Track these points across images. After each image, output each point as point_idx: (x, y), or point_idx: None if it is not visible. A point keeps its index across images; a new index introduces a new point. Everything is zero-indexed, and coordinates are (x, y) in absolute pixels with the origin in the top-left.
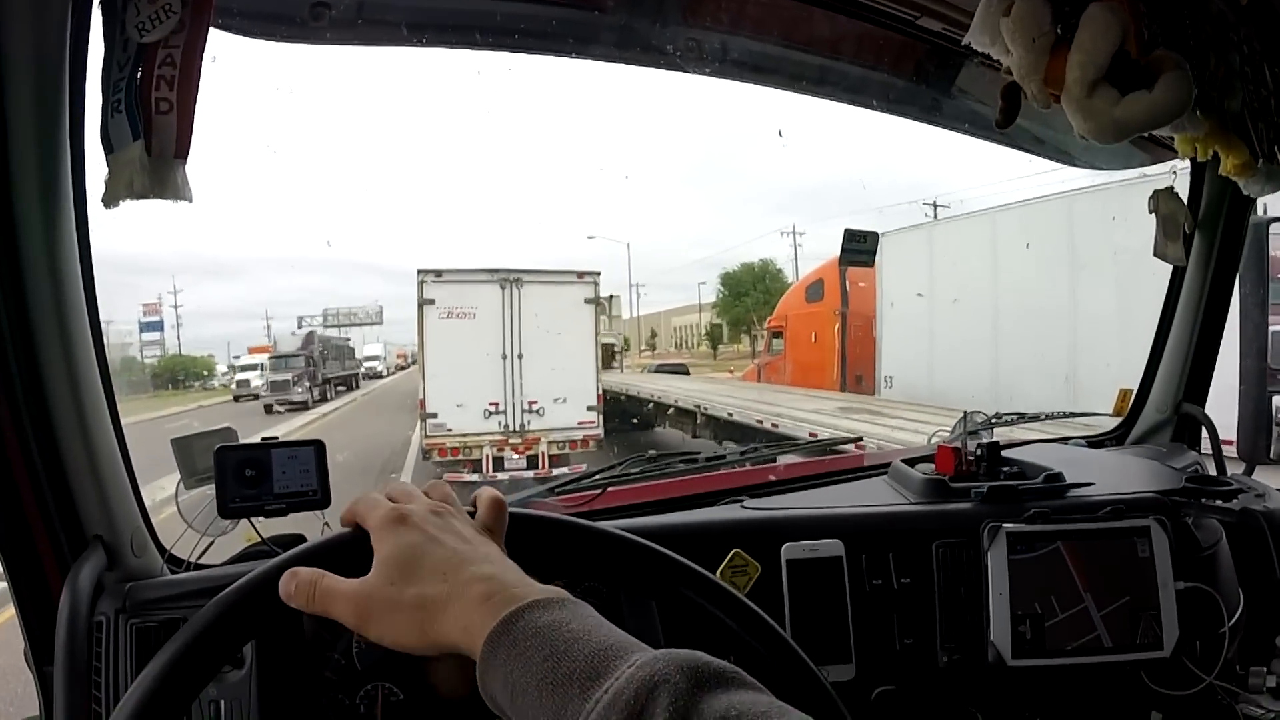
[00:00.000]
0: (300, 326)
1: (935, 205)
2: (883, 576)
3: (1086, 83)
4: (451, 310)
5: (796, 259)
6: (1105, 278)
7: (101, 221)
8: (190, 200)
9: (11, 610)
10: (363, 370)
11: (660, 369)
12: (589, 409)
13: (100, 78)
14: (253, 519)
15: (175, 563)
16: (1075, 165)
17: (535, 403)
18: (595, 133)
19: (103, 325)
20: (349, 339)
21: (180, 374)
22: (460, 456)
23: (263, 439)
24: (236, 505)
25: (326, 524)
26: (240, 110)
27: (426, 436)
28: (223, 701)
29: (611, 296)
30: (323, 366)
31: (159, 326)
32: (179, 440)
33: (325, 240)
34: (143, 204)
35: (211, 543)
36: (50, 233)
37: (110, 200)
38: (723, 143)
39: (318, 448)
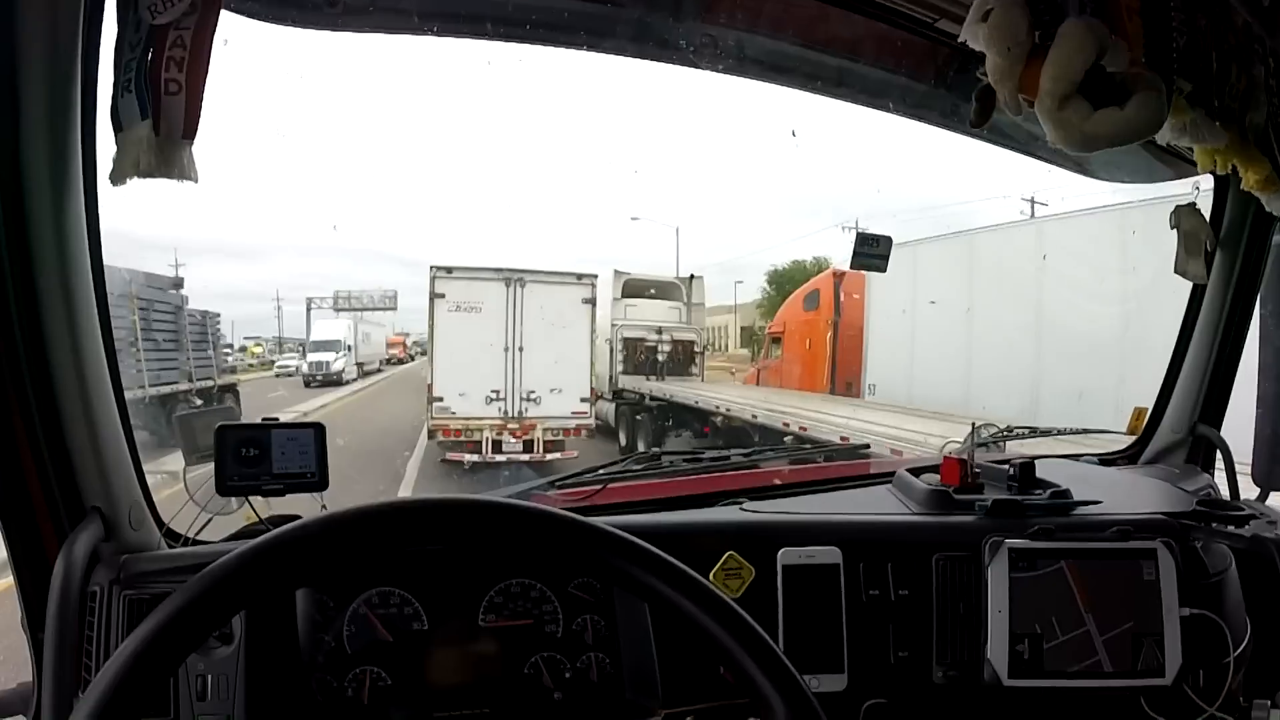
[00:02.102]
0: (309, 309)
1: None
2: (880, 587)
3: (1058, 96)
4: (460, 304)
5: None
6: (1082, 297)
7: (115, 200)
8: (196, 180)
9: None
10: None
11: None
12: (582, 400)
13: (113, 58)
14: (250, 498)
15: (173, 538)
16: (1096, 178)
17: (533, 392)
18: (608, 128)
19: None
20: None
21: None
22: (462, 438)
23: (263, 419)
24: (235, 484)
25: (324, 505)
26: (255, 95)
27: (432, 418)
28: (209, 676)
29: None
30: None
31: None
32: (182, 417)
33: (332, 225)
34: (155, 183)
35: (210, 519)
36: (59, 207)
37: (117, 178)
38: (742, 146)
39: (317, 430)
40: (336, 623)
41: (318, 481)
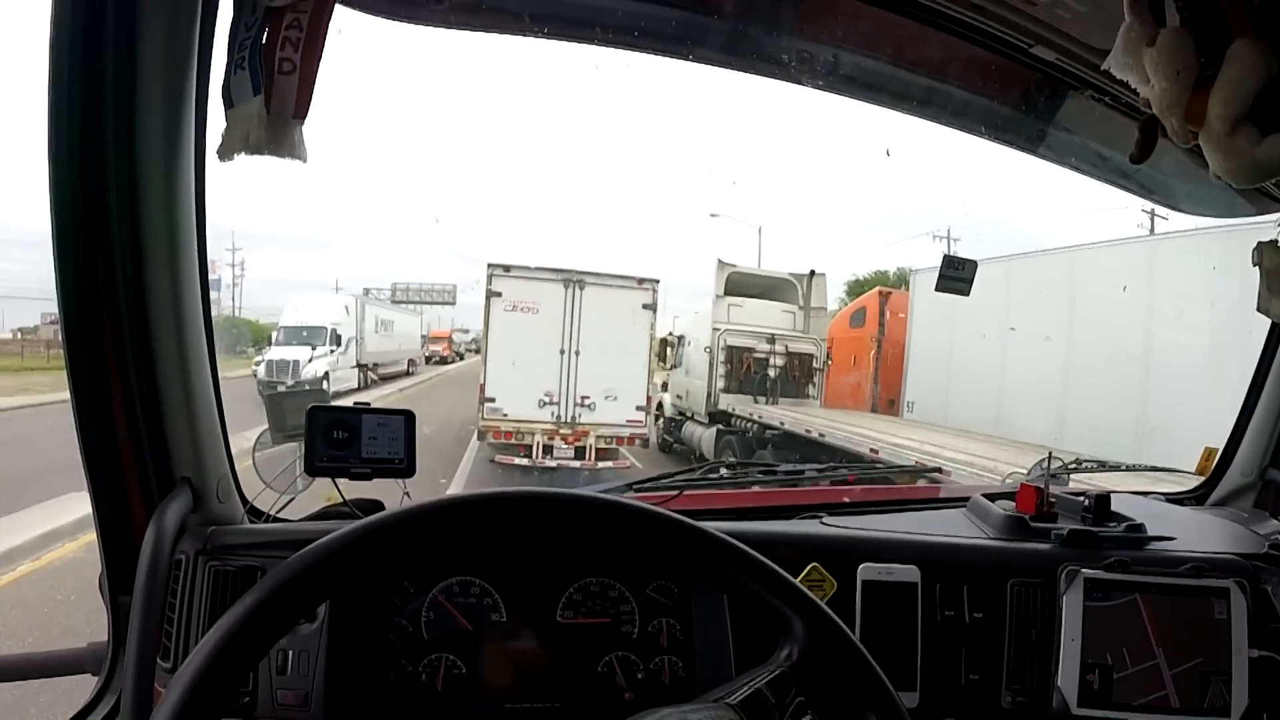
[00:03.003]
0: (365, 297)
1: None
2: (955, 608)
3: (1229, 120)
4: (516, 304)
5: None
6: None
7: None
8: (305, 160)
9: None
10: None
11: None
12: (638, 409)
13: (228, 37)
14: (337, 480)
15: (255, 514)
16: (1178, 210)
17: (587, 397)
18: (693, 129)
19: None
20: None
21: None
22: (513, 440)
23: (355, 404)
24: (324, 465)
25: (407, 494)
26: (341, 85)
27: (483, 419)
28: (291, 652)
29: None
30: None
31: (214, 286)
32: (272, 396)
33: (434, 218)
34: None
35: (292, 499)
36: (170, 186)
37: (225, 153)
38: (827, 153)
39: (408, 418)
40: (415, 608)
41: (405, 468)
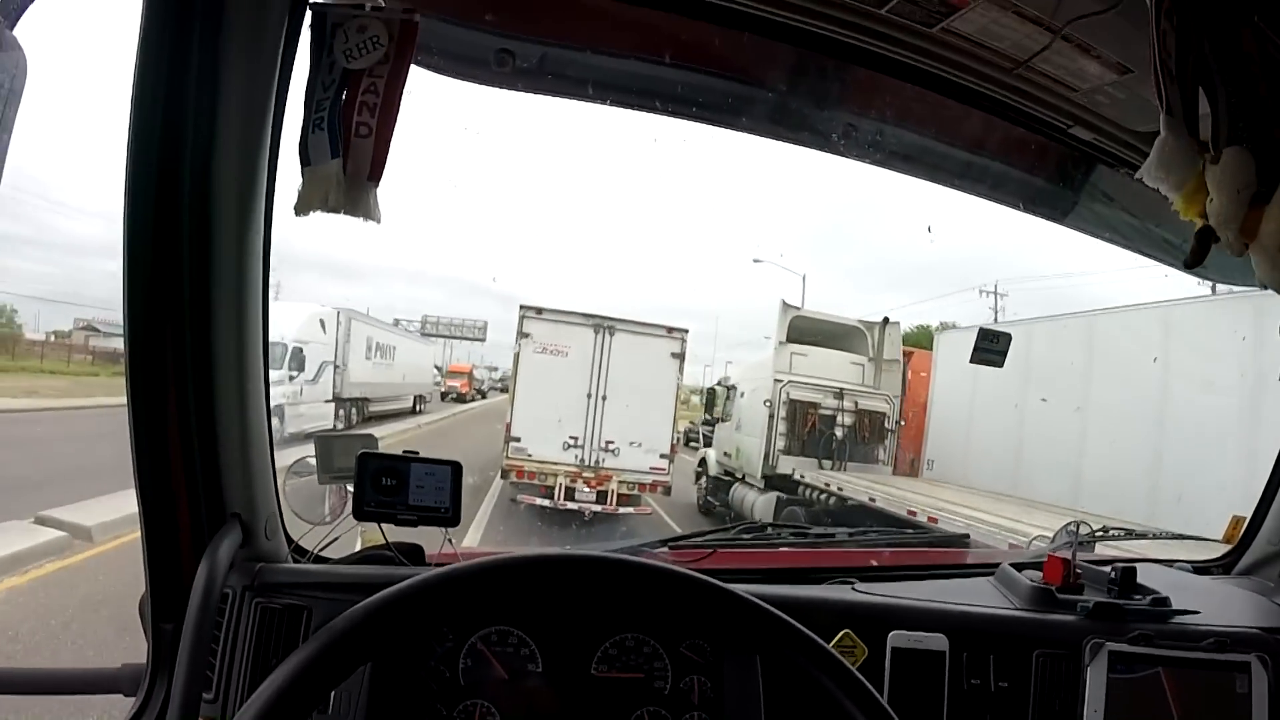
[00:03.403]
0: (356, 313)
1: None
2: (982, 677)
3: None
4: (546, 346)
5: (996, 318)
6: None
7: None
8: (379, 221)
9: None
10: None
11: None
12: (662, 456)
13: (304, 95)
14: (383, 524)
15: (300, 552)
16: (1209, 279)
17: (612, 443)
18: (733, 184)
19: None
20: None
21: None
22: (535, 481)
23: (405, 452)
24: (371, 510)
25: (449, 539)
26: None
27: (507, 458)
28: (335, 691)
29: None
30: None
31: None
32: (321, 438)
33: (491, 277)
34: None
35: (335, 539)
36: (241, 227)
37: (303, 209)
38: (831, 216)
39: (455, 468)
40: (454, 655)
41: (450, 517)
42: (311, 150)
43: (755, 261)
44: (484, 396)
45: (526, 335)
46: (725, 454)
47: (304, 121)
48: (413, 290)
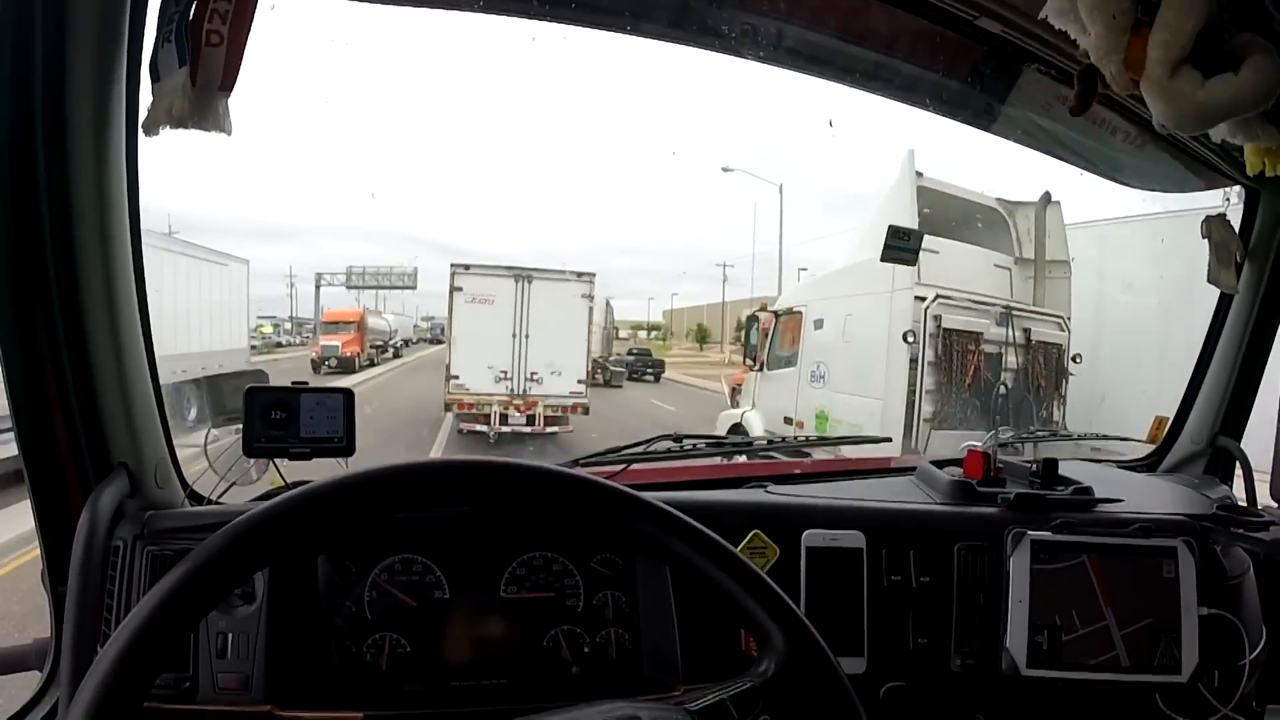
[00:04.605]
0: (318, 285)
1: None
2: (902, 573)
3: (1169, 63)
4: (475, 296)
5: None
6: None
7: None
8: (229, 133)
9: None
10: None
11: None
12: (579, 381)
13: (158, 12)
14: (276, 460)
15: (196, 499)
16: (1128, 185)
17: (536, 373)
18: (636, 110)
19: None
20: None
21: None
22: (474, 410)
23: (293, 383)
24: (261, 445)
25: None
26: (290, 64)
27: (449, 393)
28: (230, 634)
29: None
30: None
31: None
32: (212, 378)
33: (370, 193)
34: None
35: (233, 483)
36: (100, 163)
37: (151, 126)
38: (764, 138)
39: (347, 396)
40: (358, 588)
41: (345, 447)
42: (161, 65)
43: (725, 170)
44: (397, 356)
45: (459, 289)
46: (791, 422)
47: (155, 37)
48: (343, 247)
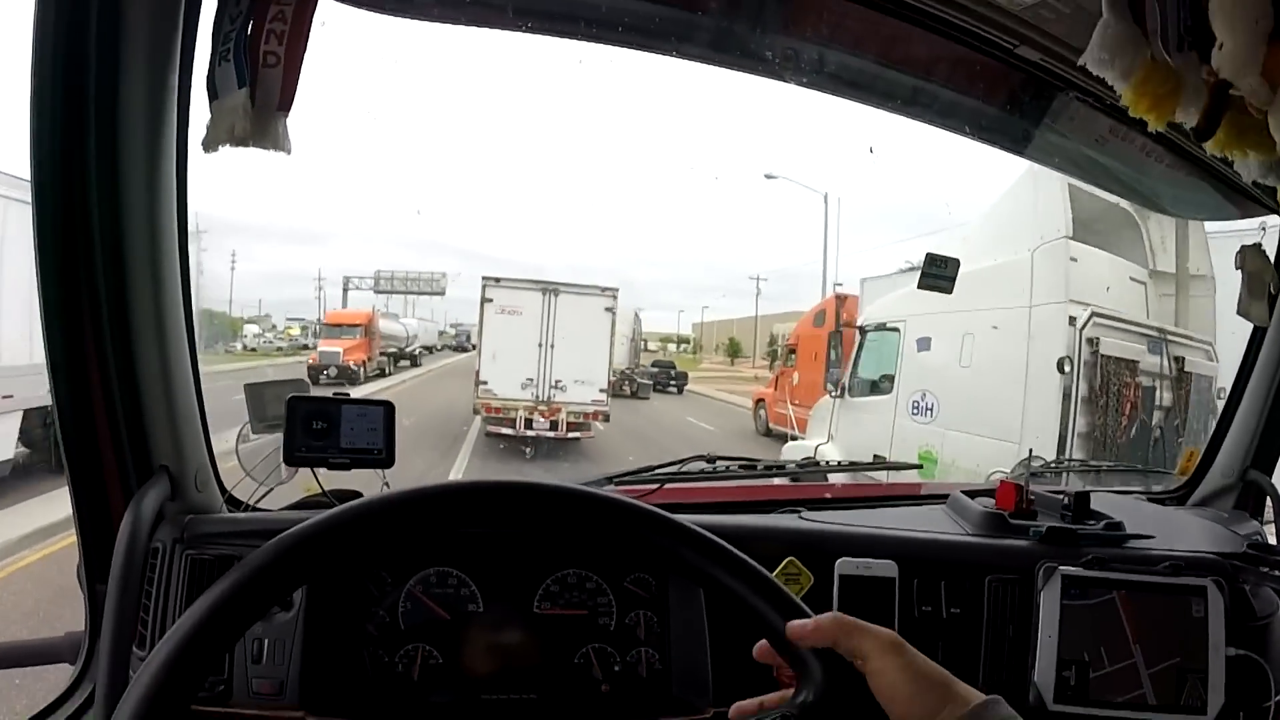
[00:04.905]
0: (346, 289)
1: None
2: (933, 604)
3: None
4: (504, 308)
5: None
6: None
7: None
8: (289, 152)
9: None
10: None
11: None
12: (600, 390)
13: (211, 29)
14: (315, 469)
15: (234, 504)
16: (1164, 212)
17: (560, 381)
18: (675, 129)
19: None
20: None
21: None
22: (500, 415)
23: (335, 394)
24: (302, 454)
25: (386, 484)
26: (334, 80)
27: (478, 397)
28: (266, 640)
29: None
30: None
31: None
32: (252, 385)
33: (416, 209)
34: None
35: (270, 490)
36: (152, 173)
37: (210, 144)
38: (804, 152)
39: (387, 409)
40: (392, 598)
41: (384, 459)
42: (219, 83)
43: (768, 177)
44: (415, 365)
45: (489, 300)
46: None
47: (211, 55)
48: (374, 252)
